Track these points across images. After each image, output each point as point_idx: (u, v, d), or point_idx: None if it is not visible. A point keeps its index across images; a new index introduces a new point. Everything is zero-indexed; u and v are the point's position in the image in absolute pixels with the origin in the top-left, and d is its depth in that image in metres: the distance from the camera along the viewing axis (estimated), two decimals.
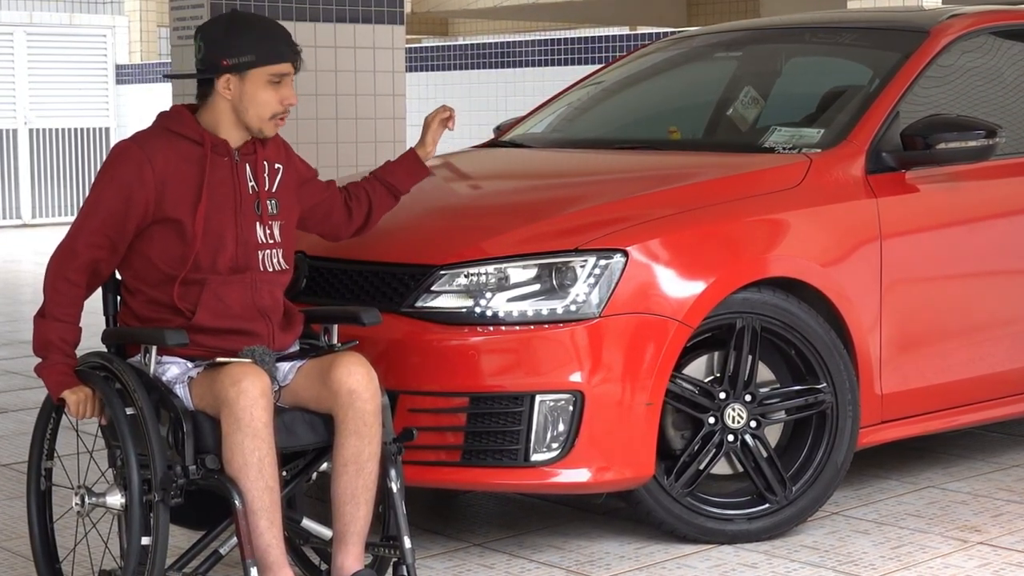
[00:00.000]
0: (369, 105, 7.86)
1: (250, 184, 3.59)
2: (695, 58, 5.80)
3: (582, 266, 4.01)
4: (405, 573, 3.49)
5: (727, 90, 5.39)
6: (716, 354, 4.24)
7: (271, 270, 3.60)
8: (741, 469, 4.26)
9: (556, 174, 5.12)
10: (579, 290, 4.00)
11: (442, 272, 4.06)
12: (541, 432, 3.96)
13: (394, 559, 3.53)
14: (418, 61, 13.93)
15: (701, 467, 4.20)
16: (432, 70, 13.88)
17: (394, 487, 3.52)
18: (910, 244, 4.58)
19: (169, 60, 10.04)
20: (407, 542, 3.48)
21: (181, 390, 3.43)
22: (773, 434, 4.31)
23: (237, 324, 3.52)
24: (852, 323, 4.38)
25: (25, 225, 16.21)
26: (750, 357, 4.21)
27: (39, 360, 3.51)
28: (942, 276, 4.69)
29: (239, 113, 3.55)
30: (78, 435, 3.90)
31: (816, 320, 4.27)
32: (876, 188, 4.55)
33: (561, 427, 3.97)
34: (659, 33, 11.81)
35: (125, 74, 16.92)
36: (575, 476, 3.98)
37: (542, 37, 13.18)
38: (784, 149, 4.66)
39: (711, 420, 4.20)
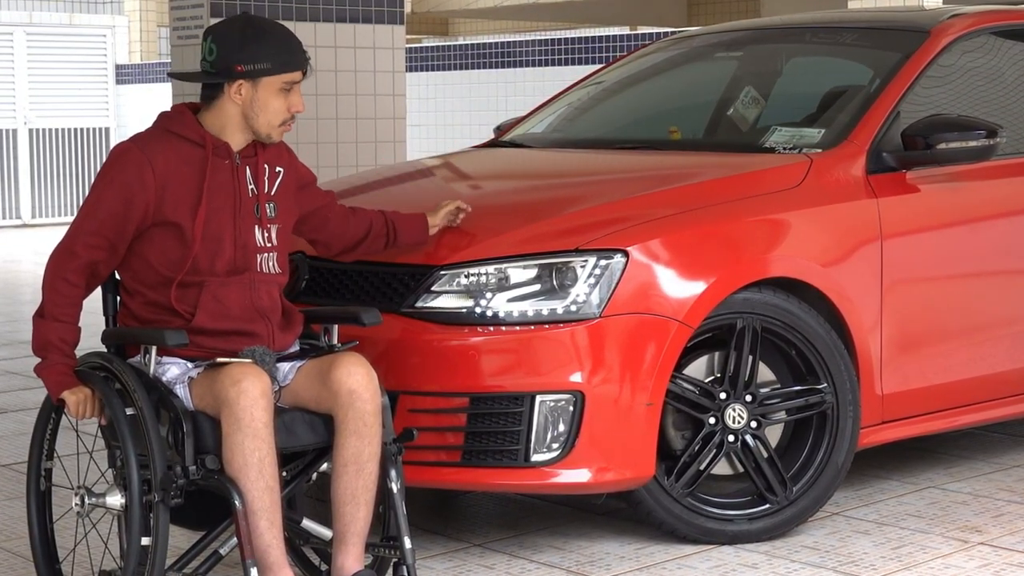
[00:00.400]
0: (369, 105, 7.86)
1: (250, 187, 3.59)
2: (695, 58, 5.79)
3: (582, 266, 4.01)
4: (405, 573, 3.49)
5: (727, 90, 5.38)
6: (716, 354, 4.24)
7: (268, 272, 3.60)
8: (742, 469, 4.25)
9: (556, 174, 5.12)
10: (579, 290, 3.99)
11: (442, 272, 4.05)
12: (541, 432, 3.96)
13: (394, 559, 3.52)
14: (418, 61, 13.93)
15: (701, 467, 4.19)
16: (432, 70, 13.88)
17: (394, 487, 3.52)
18: (911, 244, 4.58)
19: (169, 60, 10.04)
20: (407, 542, 3.48)
21: (181, 390, 3.43)
22: (774, 434, 4.31)
23: (236, 325, 3.51)
24: (853, 323, 4.38)
25: (25, 225, 16.22)
26: (751, 357, 4.21)
27: (39, 361, 3.50)
28: (943, 276, 4.69)
29: (248, 119, 3.55)
30: (78, 435, 3.90)
31: (817, 320, 4.27)
32: (877, 188, 4.54)
33: (561, 427, 3.96)
34: (659, 33, 11.81)
35: (125, 74, 16.92)
36: (575, 476, 3.98)
37: (542, 37, 13.18)
38: (785, 149, 4.66)
39: (711, 420, 4.20)
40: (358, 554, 3.49)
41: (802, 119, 4.99)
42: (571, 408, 3.96)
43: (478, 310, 4.00)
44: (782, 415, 4.31)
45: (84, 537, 3.83)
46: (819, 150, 4.59)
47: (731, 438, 4.21)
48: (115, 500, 3.42)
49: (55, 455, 3.67)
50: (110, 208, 3.48)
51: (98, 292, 3.63)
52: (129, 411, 3.37)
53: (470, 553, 4.18)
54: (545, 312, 3.99)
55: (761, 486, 4.23)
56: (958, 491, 4.79)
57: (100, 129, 16.73)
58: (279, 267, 3.64)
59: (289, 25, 7.46)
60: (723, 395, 4.20)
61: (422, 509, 4.61)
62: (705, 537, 4.21)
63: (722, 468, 4.25)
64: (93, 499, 3.47)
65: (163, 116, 3.61)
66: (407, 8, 16.08)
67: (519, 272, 4.04)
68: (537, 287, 4.02)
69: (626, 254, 4.04)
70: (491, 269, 4.04)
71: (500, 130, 5.89)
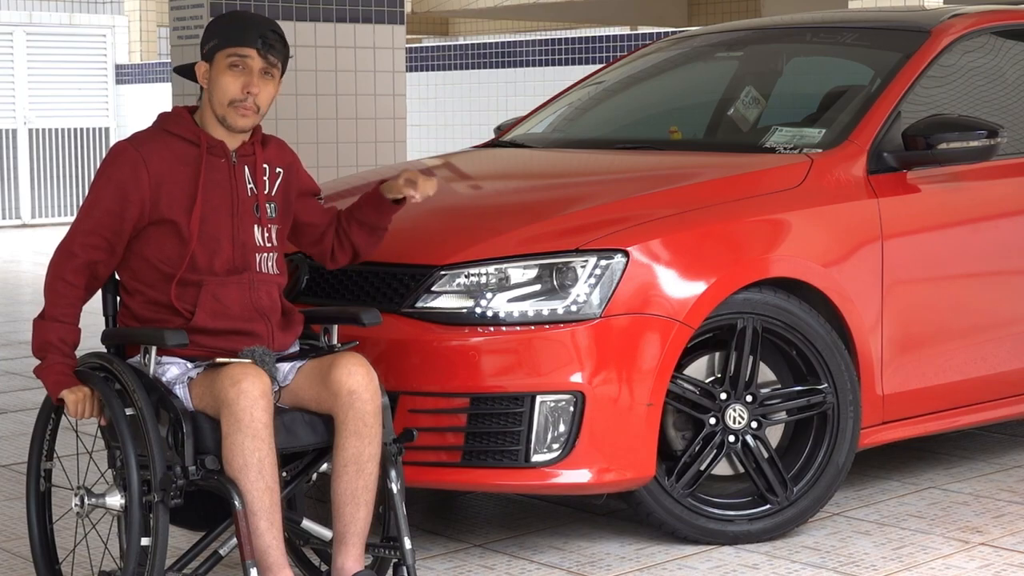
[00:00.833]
0: (369, 105, 7.86)
1: (249, 186, 3.58)
2: (696, 58, 5.79)
3: (583, 266, 4.01)
4: (405, 574, 3.48)
5: (728, 90, 5.38)
6: (717, 355, 4.24)
7: (267, 272, 3.59)
8: (742, 470, 4.25)
9: (557, 174, 5.11)
10: (580, 290, 3.99)
11: (442, 272, 4.05)
12: (542, 433, 3.95)
13: (394, 560, 3.52)
14: (418, 61, 13.93)
15: (702, 468, 4.19)
16: (432, 70, 13.87)
17: (394, 488, 3.52)
18: (911, 244, 4.57)
19: (169, 60, 10.03)
20: (407, 543, 3.48)
21: (181, 391, 3.42)
22: (774, 435, 4.31)
23: (236, 325, 3.51)
24: (853, 323, 4.37)
25: (25, 225, 16.21)
26: (751, 358, 4.21)
27: (38, 362, 3.50)
28: (944, 276, 4.69)
29: (210, 100, 3.56)
30: (77, 436, 3.89)
31: (817, 320, 4.27)
32: (877, 188, 4.54)
33: (562, 428, 3.96)
34: (660, 33, 11.81)
35: (125, 74, 16.92)
36: (576, 477, 3.98)
37: (543, 37, 13.18)
38: (785, 149, 4.65)
39: (712, 421, 4.19)
40: (358, 555, 3.48)
41: (803, 119, 4.99)
42: (571, 408, 3.95)
43: (478, 310, 3.99)
44: (783, 415, 4.30)
45: (84, 538, 3.83)
46: (820, 150, 4.59)
47: (732, 438, 4.21)
48: (115, 500, 3.41)
49: (55, 455, 3.67)
50: (106, 206, 3.48)
51: (98, 293, 3.62)
52: (129, 411, 3.37)
53: (470, 554, 4.18)
54: (545, 312, 3.98)
55: (762, 486, 4.23)
56: (959, 491, 4.78)
57: (100, 129, 16.73)
58: (278, 268, 3.63)
59: (289, 25, 7.52)
60: (724, 395, 4.20)
61: (422, 509, 4.61)
62: (706, 538, 4.21)
63: (723, 468, 4.25)
64: (93, 499, 3.47)
65: (161, 116, 3.63)
66: (407, 8, 16.08)
67: (519, 272, 4.04)
68: (537, 287, 4.02)
69: (627, 254, 4.03)
70: (491, 269, 4.04)
71: (500, 130, 5.89)
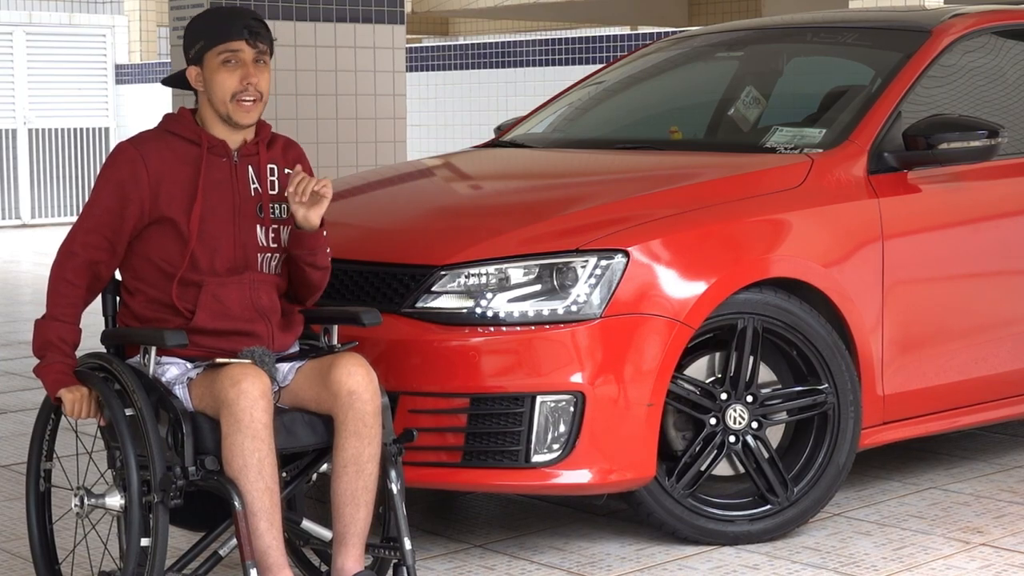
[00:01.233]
0: (369, 105, 7.86)
1: (252, 186, 3.58)
2: (696, 58, 5.79)
3: (583, 266, 4.00)
4: (405, 574, 3.48)
5: (728, 90, 5.38)
6: (717, 355, 4.23)
7: (269, 272, 3.59)
8: (743, 470, 4.24)
9: (557, 174, 5.11)
10: (580, 290, 3.98)
11: (443, 272, 4.05)
12: (542, 433, 3.95)
13: (394, 560, 3.52)
14: (418, 61, 13.92)
15: (702, 468, 4.19)
16: (432, 70, 13.87)
17: (394, 488, 3.51)
18: (912, 244, 4.57)
19: (169, 60, 10.03)
20: (407, 543, 3.47)
21: (180, 391, 3.42)
22: (775, 435, 4.30)
23: (236, 325, 3.51)
24: (854, 324, 4.37)
25: (24, 225, 16.21)
26: (751, 358, 4.20)
27: (39, 361, 3.49)
28: (944, 277, 4.68)
29: (210, 101, 3.56)
30: (77, 436, 3.89)
31: (818, 321, 4.26)
32: (878, 188, 4.54)
33: (562, 428, 3.96)
34: (660, 33, 11.80)
35: (125, 74, 16.91)
36: (576, 477, 3.97)
37: (543, 37, 13.18)
38: (786, 149, 4.65)
39: (712, 421, 4.19)
40: (358, 555, 3.48)
41: (803, 119, 4.99)
42: (572, 409, 3.95)
43: (478, 310, 3.99)
44: (783, 416, 4.30)
45: (84, 538, 3.82)
46: (820, 150, 4.59)
47: (732, 439, 4.21)
48: (114, 501, 3.41)
49: (55, 456, 3.66)
50: (106, 205, 3.49)
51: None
52: (128, 412, 3.36)
53: (470, 554, 4.18)
54: (546, 312, 3.98)
55: (762, 487, 4.23)
56: (960, 492, 4.78)
57: (100, 129, 16.72)
58: (280, 268, 3.63)
59: (289, 25, 7.52)
60: (724, 396, 4.20)
61: (422, 510, 4.61)
62: (706, 538, 4.20)
63: (723, 469, 4.24)
64: (92, 500, 3.46)
65: (165, 117, 3.64)
66: (407, 8, 16.08)
67: (520, 272, 4.03)
68: (538, 287, 4.02)
69: (627, 254, 4.03)
70: (492, 269, 4.03)
71: (500, 130, 5.88)
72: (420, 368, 3.97)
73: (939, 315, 4.66)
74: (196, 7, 7.29)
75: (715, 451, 4.19)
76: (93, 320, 3.70)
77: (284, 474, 3.55)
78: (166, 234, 3.50)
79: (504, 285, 4.02)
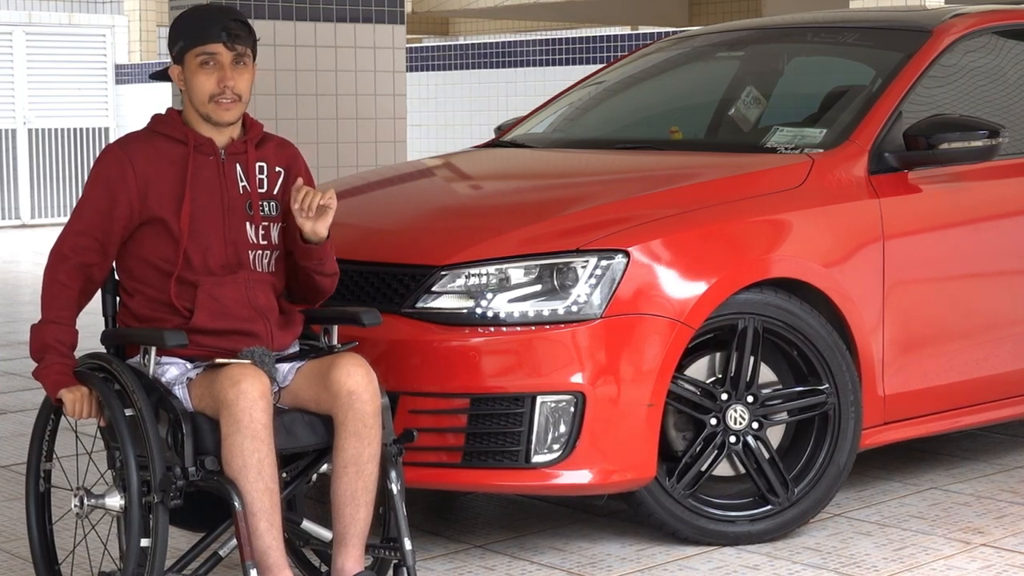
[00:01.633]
0: (369, 105, 7.85)
1: (240, 184, 3.58)
2: (697, 58, 5.78)
3: (583, 267, 4.00)
4: (405, 575, 3.47)
5: (729, 90, 5.37)
6: (718, 355, 4.23)
7: (262, 271, 3.58)
8: (743, 470, 4.24)
9: (557, 174, 5.11)
10: (580, 291, 3.98)
11: (443, 273, 4.04)
12: (542, 433, 3.95)
13: (394, 561, 3.51)
14: (419, 61, 13.92)
15: (703, 468, 4.18)
16: (433, 70, 13.87)
17: (394, 488, 3.51)
18: (913, 245, 4.57)
19: (168, 60, 10.00)
20: (407, 544, 3.47)
21: (180, 391, 3.42)
22: (775, 435, 4.30)
23: (235, 325, 3.50)
24: (854, 324, 4.36)
25: (24, 225, 16.21)
26: (752, 358, 4.20)
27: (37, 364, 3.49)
28: (945, 277, 4.68)
29: (190, 100, 3.57)
30: (77, 437, 3.89)
31: (818, 321, 4.26)
32: (879, 188, 4.53)
33: (562, 428, 3.95)
34: (661, 33, 11.80)
35: (124, 74, 16.91)
36: (576, 477, 3.97)
37: (543, 37, 13.18)
38: (786, 149, 4.64)
39: (713, 421, 4.18)
40: (358, 555, 3.47)
41: (804, 119, 4.98)
42: (572, 409, 3.94)
43: (479, 311, 3.99)
44: (784, 416, 4.29)
45: (83, 538, 3.82)
46: (821, 150, 4.58)
47: (732, 439, 4.20)
48: (114, 501, 3.41)
49: (54, 456, 3.66)
50: (95, 207, 3.49)
51: (97, 292, 3.62)
52: (128, 412, 3.36)
53: (470, 554, 4.17)
54: (546, 313, 3.97)
55: (763, 487, 4.22)
56: (960, 492, 4.78)
57: (99, 129, 16.72)
58: (275, 266, 3.62)
59: (289, 25, 7.51)
60: (724, 396, 4.19)
61: (422, 510, 4.60)
62: (706, 538, 4.20)
63: (723, 469, 4.24)
64: (92, 500, 3.46)
65: (153, 117, 3.65)
66: (407, 8, 16.08)
67: (520, 272, 4.03)
68: (538, 287, 4.01)
69: (627, 254, 4.02)
70: (492, 269, 4.03)
71: (501, 130, 5.88)
72: (420, 368, 3.97)
73: (940, 315, 4.66)
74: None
75: (716, 451, 4.19)
76: (92, 320, 3.70)
77: (284, 474, 3.54)
78: (158, 234, 3.50)
79: (504, 285, 4.02)
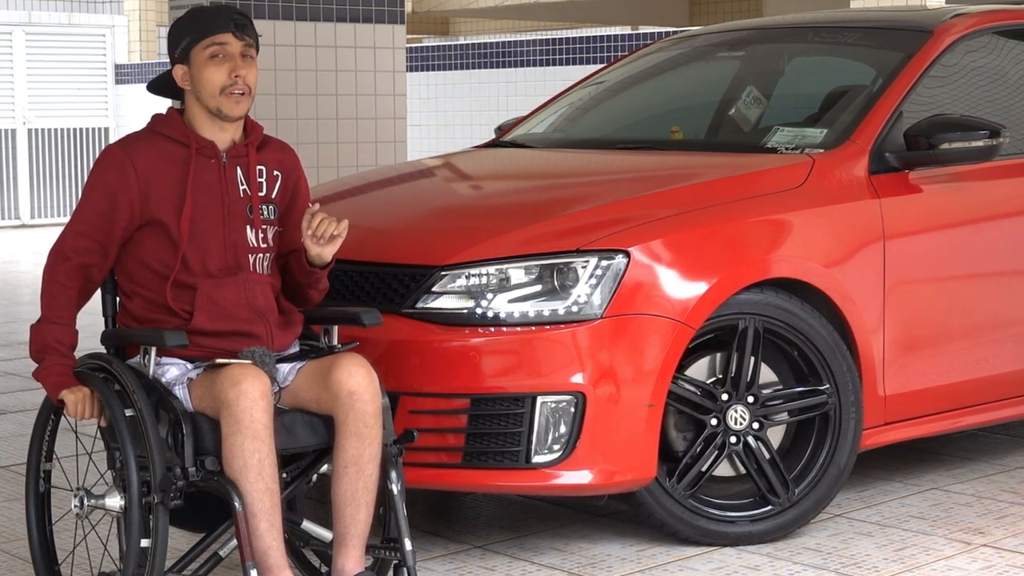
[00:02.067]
0: (370, 105, 7.85)
1: (241, 187, 3.57)
2: (697, 58, 5.78)
3: (584, 267, 4.00)
4: (406, 575, 3.47)
5: (729, 90, 5.37)
6: (718, 355, 4.22)
7: (261, 273, 3.58)
8: (744, 471, 4.24)
9: (558, 174, 5.10)
10: (581, 291, 3.98)
11: (443, 273, 4.04)
12: (542, 434, 3.94)
13: (395, 561, 3.51)
14: (419, 61, 13.92)
15: (703, 469, 4.18)
16: (433, 70, 13.87)
17: (395, 489, 3.50)
18: (914, 245, 4.56)
19: (168, 60, 9.99)
20: (408, 544, 3.46)
21: (180, 391, 3.41)
22: (776, 436, 4.29)
23: (235, 326, 3.50)
24: (855, 324, 4.36)
25: (24, 225, 16.20)
26: (752, 358, 4.19)
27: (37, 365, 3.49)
28: (946, 277, 4.68)
29: (200, 101, 3.54)
30: (77, 437, 3.88)
31: (819, 321, 4.25)
32: (879, 188, 4.53)
33: (563, 429, 3.95)
34: (661, 32, 11.80)
35: (124, 74, 16.91)
36: (577, 478, 3.97)
37: (543, 37, 13.17)
38: (787, 149, 4.64)
39: (713, 422, 4.18)
40: (358, 556, 3.47)
41: (804, 119, 4.98)
42: (572, 409, 3.94)
43: (479, 311, 3.98)
44: (784, 416, 4.29)
45: (83, 539, 3.81)
46: (821, 150, 4.58)
47: (733, 439, 4.20)
48: (114, 502, 3.40)
49: (54, 457, 3.66)
50: (95, 208, 3.48)
51: (97, 293, 3.61)
52: (128, 412, 3.36)
53: (471, 555, 4.17)
54: (546, 313, 3.97)
55: (763, 488, 4.22)
56: (961, 493, 4.77)
57: (99, 129, 16.72)
58: (272, 268, 3.62)
59: (289, 25, 7.51)
60: (725, 396, 4.19)
61: (423, 511, 4.60)
62: (707, 539, 4.19)
63: (724, 469, 4.23)
64: (92, 501, 3.45)
65: (153, 118, 3.62)
66: (407, 8, 16.07)
67: (520, 273, 4.03)
68: (538, 288, 4.01)
69: (628, 255, 4.02)
70: (492, 270, 4.02)
71: (501, 130, 5.88)
72: (420, 368, 3.97)
73: (941, 315, 4.66)
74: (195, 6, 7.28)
75: (716, 452, 4.18)
76: (92, 321, 3.69)
77: (284, 475, 3.54)
78: (158, 236, 3.49)
79: (505, 285, 4.01)
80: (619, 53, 11.84)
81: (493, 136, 5.89)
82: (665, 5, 17.71)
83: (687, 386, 4.15)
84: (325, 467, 3.57)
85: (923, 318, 4.59)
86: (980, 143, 4.62)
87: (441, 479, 4.03)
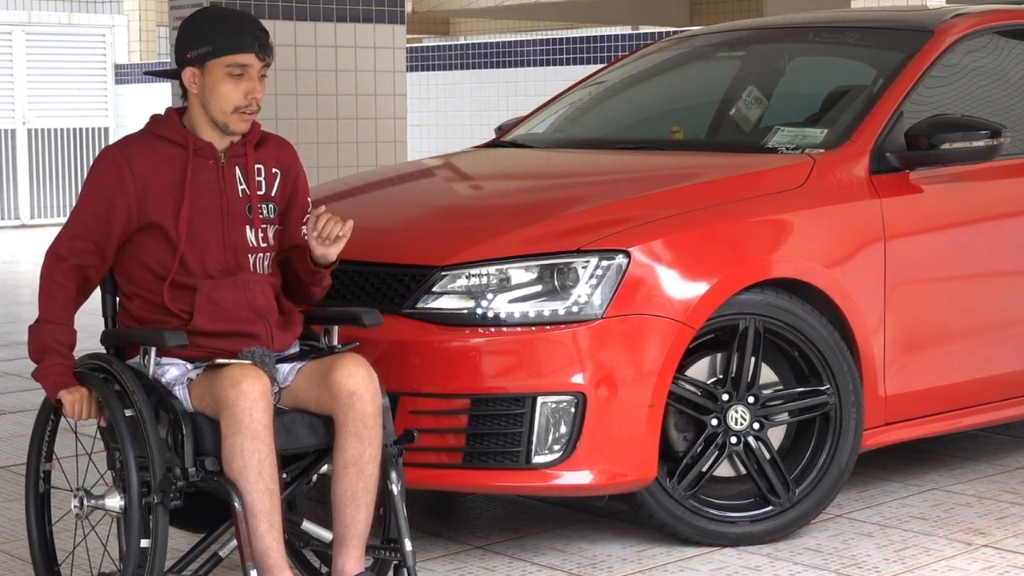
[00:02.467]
0: (370, 105, 7.84)
1: (240, 187, 3.56)
2: (698, 58, 5.78)
3: (584, 267, 3.99)
4: (406, 575, 3.47)
5: (730, 90, 5.36)
6: (719, 355, 4.22)
7: (261, 272, 3.57)
8: (744, 471, 4.23)
9: (558, 174, 5.10)
10: (581, 291, 3.97)
11: (443, 273, 4.03)
12: (543, 434, 3.94)
13: (395, 562, 3.51)
14: (419, 61, 13.91)
15: (704, 469, 4.17)
16: (433, 70, 13.86)
17: (395, 489, 3.50)
18: (914, 245, 4.56)
19: (169, 60, 10.02)
20: (408, 544, 3.46)
21: (180, 392, 3.41)
22: (776, 436, 4.29)
23: (235, 326, 3.49)
24: (856, 324, 4.36)
25: (24, 226, 16.20)
26: (753, 359, 4.19)
27: (36, 365, 3.48)
28: (947, 277, 4.67)
29: (205, 108, 3.52)
30: (77, 437, 3.88)
31: (819, 321, 4.25)
32: (880, 188, 4.53)
33: (563, 429, 3.95)
34: (661, 32, 11.79)
35: (124, 74, 16.91)
36: (577, 478, 3.96)
37: (544, 36, 13.17)
38: (787, 149, 4.64)
39: (714, 422, 4.18)
40: (358, 556, 3.47)
41: (805, 119, 4.97)
42: (573, 409, 3.94)
43: (479, 311, 3.98)
44: (785, 417, 4.29)
45: (83, 539, 3.81)
46: (822, 150, 4.57)
47: (733, 440, 4.19)
48: (114, 502, 3.40)
49: (54, 457, 3.65)
50: (92, 210, 3.47)
51: (97, 293, 3.61)
52: (128, 413, 3.35)
53: (471, 555, 4.17)
54: (547, 313, 3.97)
55: (764, 488, 4.21)
56: (962, 493, 4.77)
57: (99, 129, 16.72)
58: (272, 268, 3.61)
59: (289, 25, 7.51)
60: (725, 396, 4.18)
61: (423, 511, 4.60)
62: (707, 539, 4.19)
63: (724, 470, 4.23)
64: (92, 501, 3.45)
65: (151, 119, 3.60)
66: (407, 8, 16.07)
67: (520, 273, 4.02)
68: (539, 288, 4.01)
69: (628, 255, 4.02)
70: (492, 270, 4.02)
71: (501, 130, 5.87)
72: (421, 369, 3.96)
73: (941, 316, 4.65)
74: (196, 6, 7.28)
75: (716, 452, 4.18)
76: (92, 321, 3.69)
77: (284, 475, 3.53)
78: (156, 238, 3.48)
79: (505, 286, 4.01)
80: (619, 53, 11.84)
81: (493, 136, 5.89)
82: (665, 5, 17.71)
83: (687, 386, 4.14)
84: (325, 467, 3.56)
85: (924, 318, 4.58)
86: (981, 143, 4.61)
87: (441, 479, 4.02)
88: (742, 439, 4.20)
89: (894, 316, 4.46)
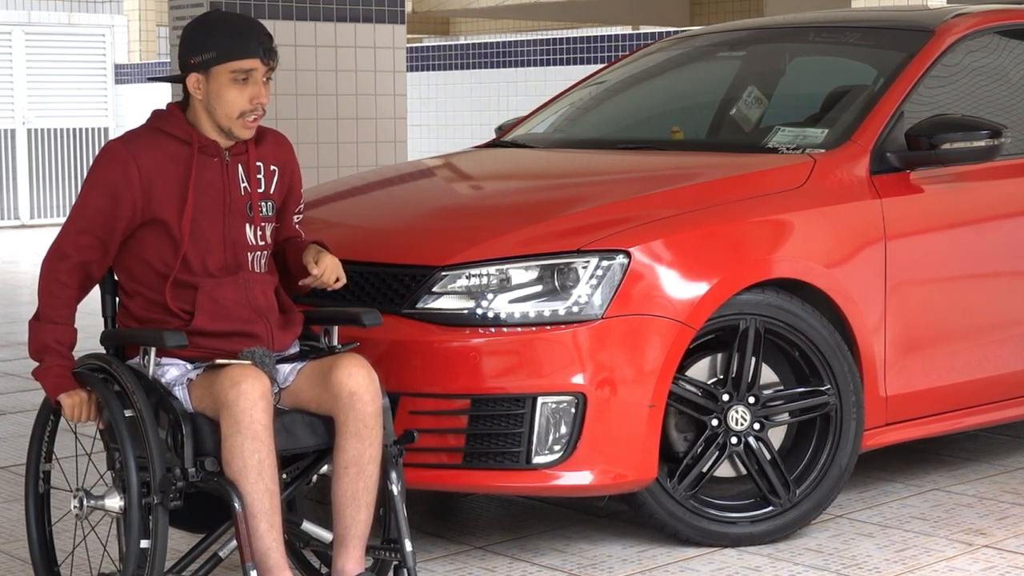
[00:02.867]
0: (370, 105, 7.84)
1: (242, 185, 3.56)
2: (698, 58, 5.77)
3: (584, 267, 3.99)
4: None
5: (730, 90, 5.36)
6: (719, 356, 4.22)
7: (260, 271, 3.57)
8: (744, 472, 4.23)
9: (558, 174, 5.10)
10: (581, 291, 3.97)
11: (443, 273, 4.03)
12: (543, 434, 3.93)
13: (395, 562, 3.50)
14: (419, 61, 13.91)
15: (704, 470, 4.17)
16: (433, 70, 13.86)
17: (395, 489, 3.50)
18: (915, 245, 4.56)
19: (168, 60, 10.02)
20: (408, 545, 3.46)
21: (180, 392, 3.40)
22: (777, 436, 4.29)
23: (235, 326, 3.49)
24: (856, 325, 4.35)
25: (23, 226, 16.19)
26: (753, 359, 4.18)
27: (37, 363, 3.48)
28: (947, 277, 4.67)
29: (209, 112, 3.50)
30: (76, 437, 3.88)
31: (820, 322, 4.25)
32: (880, 188, 4.52)
33: (563, 429, 3.94)
34: (662, 32, 11.79)
35: (124, 74, 16.91)
36: (577, 479, 3.96)
37: (544, 36, 13.17)
38: (788, 149, 4.63)
39: (714, 422, 4.17)
40: (358, 557, 3.46)
41: (805, 119, 4.97)
42: (573, 410, 3.93)
43: (479, 311, 3.97)
44: (785, 417, 4.28)
45: (83, 540, 3.81)
46: (822, 150, 4.57)
47: (734, 440, 4.19)
48: (114, 502, 3.40)
49: (54, 457, 3.65)
50: (97, 205, 3.46)
51: (97, 293, 3.61)
52: (128, 413, 3.35)
53: (471, 556, 4.16)
54: (547, 313, 3.96)
55: (764, 488, 4.21)
56: (962, 493, 4.77)
57: (99, 129, 16.71)
58: (268, 266, 3.61)
59: (289, 25, 7.51)
60: (726, 397, 4.18)
61: (423, 511, 4.59)
62: (708, 540, 4.19)
63: (725, 470, 4.23)
64: (92, 501, 3.45)
65: (154, 114, 3.59)
66: (407, 8, 16.07)
67: (521, 273, 4.02)
68: (539, 288, 4.00)
69: (628, 255, 4.01)
70: (493, 270, 4.02)
71: (502, 130, 5.87)
72: (421, 369, 3.96)
73: (942, 316, 4.65)
74: (196, 7, 7.27)
75: (717, 452, 4.18)
76: (92, 321, 3.69)
77: (284, 475, 3.53)
78: (159, 235, 3.48)
79: (505, 286, 4.01)
80: (619, 53, 11.84)
81: (493, 136, 5.88)
82: (665, 5, 17.71)
83: (688, 387, 4.14)
84: (325, 468, 3.56)
85: (924, 318, 4.58)
86: (981, 143, 4.61)
87: (441, 480, 4.02)
88: (742, 439, 4.20)
89: (895, 316, 4.46)
